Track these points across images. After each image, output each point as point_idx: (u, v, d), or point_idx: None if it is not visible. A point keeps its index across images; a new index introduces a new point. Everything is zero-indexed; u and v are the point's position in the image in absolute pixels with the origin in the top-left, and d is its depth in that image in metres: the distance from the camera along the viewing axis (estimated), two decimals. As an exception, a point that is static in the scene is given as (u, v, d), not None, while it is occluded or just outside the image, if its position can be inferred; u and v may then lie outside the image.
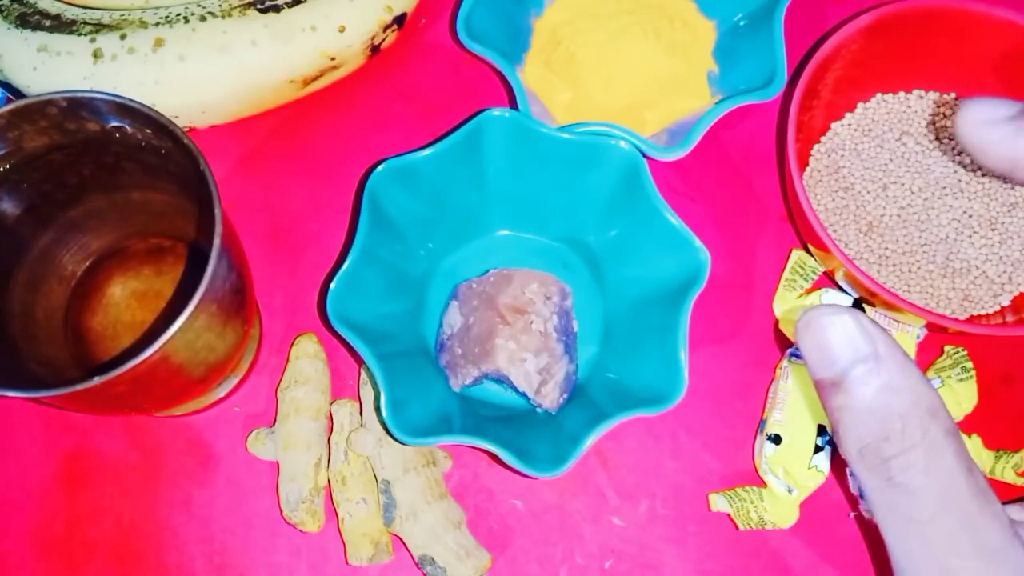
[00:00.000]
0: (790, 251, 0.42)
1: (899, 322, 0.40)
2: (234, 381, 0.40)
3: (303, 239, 0.44)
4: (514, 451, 0.33)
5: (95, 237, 0.39)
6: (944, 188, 0.41)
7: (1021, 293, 0.40)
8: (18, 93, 0.41)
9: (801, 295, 0.41)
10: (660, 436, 0.40)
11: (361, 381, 0.40)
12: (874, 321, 0.24)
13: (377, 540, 0.37)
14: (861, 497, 0.38)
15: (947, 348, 0.40)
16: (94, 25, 0.41)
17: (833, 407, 0.24)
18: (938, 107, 0.43)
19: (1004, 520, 0.23)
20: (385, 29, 0.44)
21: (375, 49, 0.45)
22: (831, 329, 0.24)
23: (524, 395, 0.37)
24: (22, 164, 0.33)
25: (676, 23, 0.45)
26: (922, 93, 0.44)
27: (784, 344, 0.41)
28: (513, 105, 0.41)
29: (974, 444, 0.38)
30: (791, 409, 0.38)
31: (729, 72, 0.44)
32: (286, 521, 0.38)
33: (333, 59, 0.43)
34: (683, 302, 0.36)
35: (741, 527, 0.39)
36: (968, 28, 0.41)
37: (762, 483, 0.39)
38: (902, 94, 0.44)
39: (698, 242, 0.36)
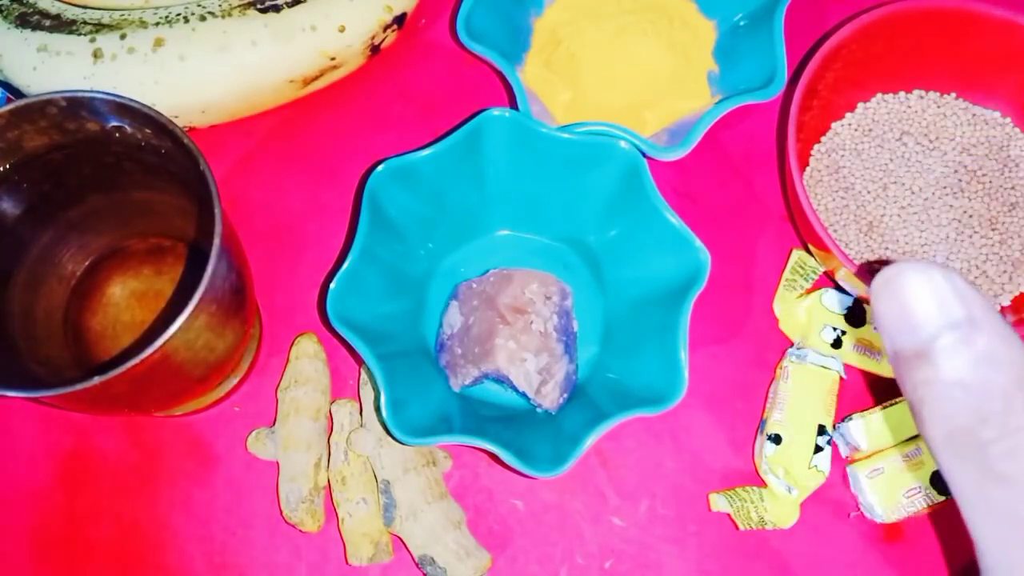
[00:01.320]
0: (790, 251, 0.42)
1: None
2: (234, 381, 0.40)
3: (303, 239, 0.44)
4: (514, 451, 0.33)
5: (95, 237, 0.39)
6: (944, 188, 0.41)
7: (1021, 293, 0.40)
8: (18, 93, 0.41)
9: (801, 295, 0.41)
10: (660, 436, 0.40)
11: (361, 381, 0.40)
12: (969, 281, 0.20)
13: (377, 540, 0.37)
14: (861, 497, 0.38)
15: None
16: (94, 25, 0.41)
17: (915, 382, 0.20)
18: (938, 107, 0.43)
19: None
20: (385, 29, 0.44)
21: (375, 49, 0.45)
22: (917, 288, 0.20)
23: (524, 395, 0.37)
24: (22, 164, 0.33)
25: (676, 23, 0.45)
26: (922, 93, 0.44)
27: (784, 344, 0.41)
28: (513, 105, 0.41)
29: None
30: (791, 409, 0.38)
31: (729, 72, 0.44)
32: (286, 521, 0.38)
33: (333, 59, 0.43)
34: (683, 302, 0.36)
35: (741, 527, 0.39)
36: (968, 28, 0.41)
37: (762, 483, 0.39)
38: (902, 94, 0.44)
39: (698, 242, 0.36)
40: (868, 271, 0.38)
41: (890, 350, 0.21)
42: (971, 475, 0.19)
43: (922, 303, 0.20)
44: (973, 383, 0.19)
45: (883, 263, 0.40)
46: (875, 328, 0.21)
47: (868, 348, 0.40)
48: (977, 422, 0.19)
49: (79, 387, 0.28)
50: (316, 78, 0.44)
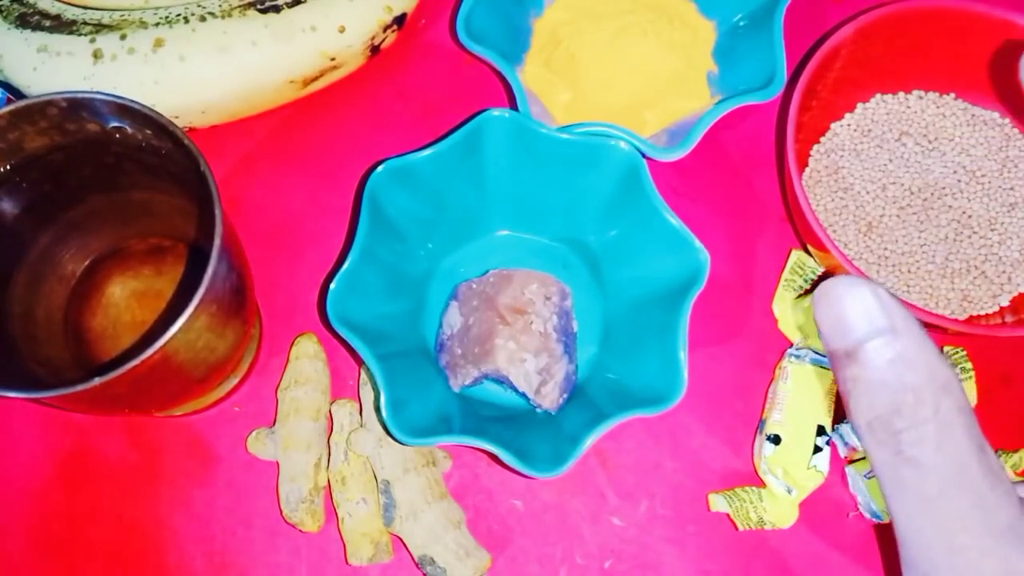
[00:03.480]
0: (790, 251, 0.42)
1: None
2: (234, 381, 0.40)
3: (303, 239, 0.44)
4: (514, 451, 0.33)
5: (95, 237, 0.39)
6: (944, 188, 0.42)
7: (1020, 293, 0.40)
8: (18, 93, 0.41)
9: (801, 295, 0.41)
10: (660, 436, 0.40)
11: (361, 381, 0.40)
12: (892, 294, 0.23)
13: (377, 540, 0.37)
14: (860, 497, 0.38)
15: (946, 348, 0.40)
16: (94, 25, 0.41)
17: (845, 378, 0.23)
18: (938, 108, 0.43)
19: (1015, 499, 0.23)
20: (385, 29, 0.44)
21: (375, 49, 0.45)
22: (848, 299, 0.23)
23: (524, 395, 0.37)
24: (22, 164, 0.33)
25: (676, 23, 0.45)
26: (922, 93, 0.44)
27: (784, 344, 0.41)
28: (513, 105, 0.41)
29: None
30: (791, 409, 0.38)
31: (729, 72, 0.44)
32: (286, 521, 0.38)
33: (333, 59, 0.43)
34: (683, 302, 0.36)
35: (741, 527, 0.39)
36: (968, 28, 0.41)
37: (762, 483, 0.39)
38: (902, 94, 0.44)
39: (698, 242, 0.36)
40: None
41: (827, 351, 0.24)
42: (887, 458, 0.23)
43: (852, 312, 0.23)
44: (890, 380, 0.22)
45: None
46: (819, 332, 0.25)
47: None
48: (892, 413, 0.22)
49: (79, 388, 0.28)
50: (316, 78, 0.44)
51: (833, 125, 0.44)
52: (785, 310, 0.41)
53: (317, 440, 0.38)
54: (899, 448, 0.22)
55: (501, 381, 0.37)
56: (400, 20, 0.44)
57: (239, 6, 0.42)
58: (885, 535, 0.39)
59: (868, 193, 0.42)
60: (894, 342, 0.23)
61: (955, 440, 0.22)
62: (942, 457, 0.22)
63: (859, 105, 0.44)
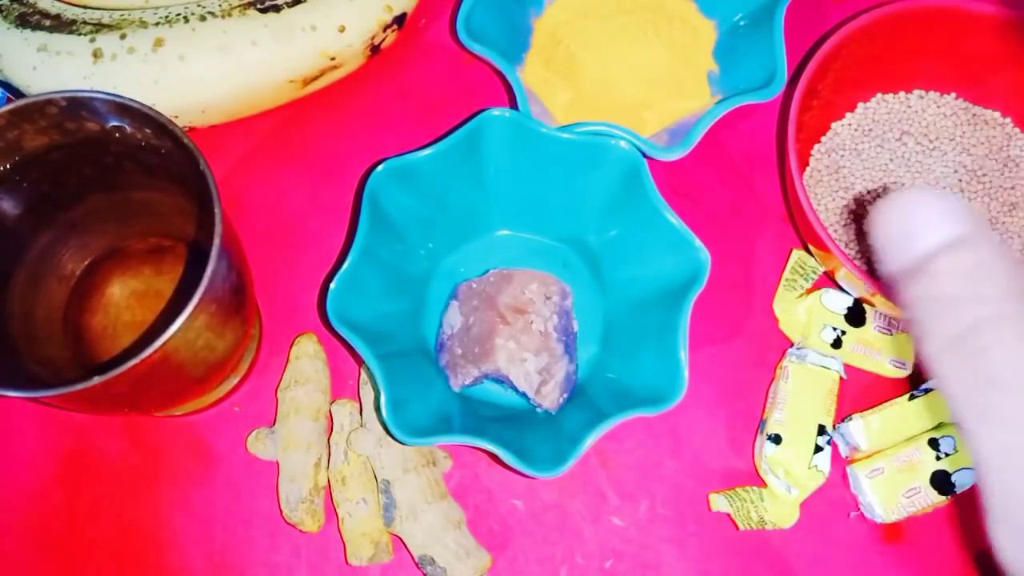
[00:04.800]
0: (790, 251, 0.42)
1: (899, 322, 0.40)
2: (234, 381, 0.40)
3: (303, 239, 0.44)
4: (514, 451, 0.33)
5: (95, 237, 0.39)
6: (945, 187, 0.41)
7: (1021, 293, 0.40)
8: (18, 93, 0.41)
9: (801, 295, 0.41)
10: (660, 436, 0.40)
11: (361, 381, 0.40)
12: (959, 200, 0.21)
13: (377, 540, 0.37)
14: (861, 497, 0.38)
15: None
16: (94, 25, 0.41)
17: (912, 298, 0.21)
18: (938, 107, 0.43)
19: None
20: (385, 29, 0.44)
21: (375, 49, 0.45)
22: (914, 208, 0.21)
23: (524, 395, 0.37)
24: (22, 164, 0.33)
25: (676, 23, 0.45)
26: (922, 93, 0.44)
27: (785, 344, 0.41)
28: (513, 105, 0.41)
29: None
30: (791, 409, 0.38)
31: (729, 72, 0.44)
32: (286, 521, 0.38)
33: (333, 59, 0.43)
34: (683, 302, 0.36)
35: (741, 527, 0.39)
36: (968, 28, 0.41)
37: (762, 483, 0.39)
38: (902, 94, 0.44)
39: (698, 242, 0.36)
40: (868, 271, 0.38)
41: (890, 271, 0.21)
42: (967, 382, 0.20)
43: (918, 222, 0.21)
44: (967, 295, 0.20)
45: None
46: (876, 252, 0.22)
47: (868, 348, 0.40)
48: (971, 331, 0.20)
49: (79, 387, 0.28)
50: (316, 78, 0.44)
51: (834, 124, 0.44)
52: (786, 310, 0.41)
53: (317, 440, 0.38)
54: (983, 371, 0.20)
55: (501, 381, 0.37)
56: (400, 20, 0.44)
57: (239, 6, 0.42)
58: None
59: (869, 193, 0.42)
60: (967, 252, 0.20)
61: None
62: None
63: (860, 104, 0.44)
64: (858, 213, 0.42)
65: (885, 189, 0.42)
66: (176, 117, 0.42)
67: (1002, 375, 0.19)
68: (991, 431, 0.20)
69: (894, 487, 0.37)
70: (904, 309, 0.21)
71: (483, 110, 0.38)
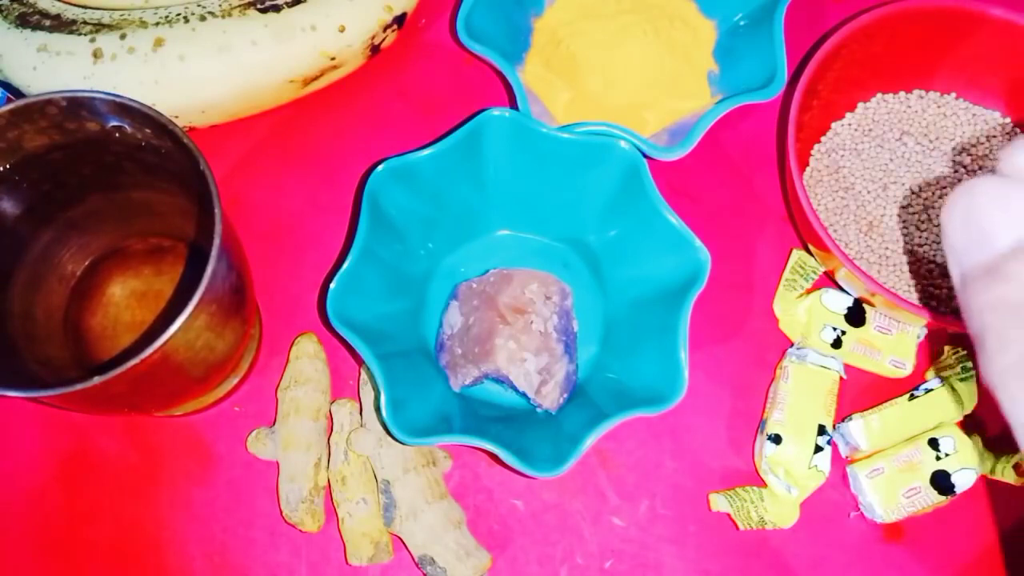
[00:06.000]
0: (790, 251, 0.42)
1: (899, 322, 0.40)
2: (234, 381, 0.40)
3: (303, 239, 0.44)
4: (514, 451, 0.33)
5: (95, 237, 0.39)
6: (944, 188, 0.41)
7: (1021, 293, 0.40)
8: (18, 93, 0.41)
9: (801, 295, 0.41)
10: (660, 436, 0.40)
11: (361, 381, 0.40)
12: None
13: (377, 540, 0.37)
14: (861, 497, 0.38)
15: (947, 348, 0.40)
16: (94, 25, 0.41)
17: (983, 305, 0.18)
18: (938, 107, 0.43)
19: None
20: (385, 29, 0.44)
21: (375, 49, 0.45)
22: (989, 202, 0.18)
23: (524, 395, 0.37)
24: (22, 164, 0.33)
25: (676, 23, 0.45)
26: (922, 93, 0.44)
27: (785, 344, 0.41)
28: (513, 105, 0.41)
29: (975, 443, 0.38)
30: (791, 409, 0.38)
31: (729, 72, 0.44)
32: (286, 521, 0.38)
33: (333, 59, 0.43)
34: (683, 302, 0.36)
35: (741, 527, 0.39)
36: (968, 28, 0.41)
37: (762, 483, 0.39)
38: (902, 94, 0.44)
39: (698, 242, 0.36)
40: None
41: (958, 275, 0.19)
42: None
43: (994, 217, 0.18)
44: None
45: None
46: (946, 251, 0.19)
47: (868, 348, 0.40)
48: None
49: (79, 387, 0.28)
50: (316, 78, 0.44)
51: (834, 124, 0.44)
52: (786, 310, 0.41)
53: (317, 440, 0.38)
54: None
55: (501, 381, 0.37)
56: (400, 20, 0.44)
57: (239, 6, 0.42)
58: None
59: (869, 192, 0.42)
60: None
61: None
62: None
63: (860, 104, 0.44)
64: (859, 213, 0.42)
65: (885, 188, 0.42)
66: (176, 117, 0.42)
67: None
68: None
69: (894, 487, 0.37)
70: (972, 321, 0.18)
71: (483, 110, 0.38)
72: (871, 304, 0.40)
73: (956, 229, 0.18)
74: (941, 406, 0.38)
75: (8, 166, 0.33)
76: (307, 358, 0.40)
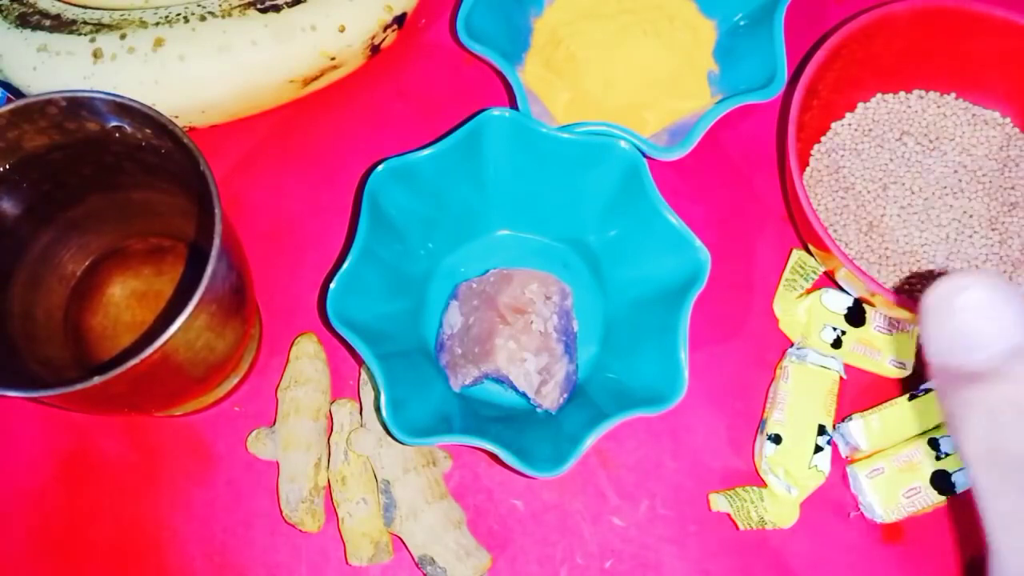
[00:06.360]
0: (790, 251, 0.42)
1: (899, 322, 0.40)
2: (234, 381, 0.40)
3: (303, 239, 0.44)
4: (514, 451, 0.33)
5: (95, 237, 0.39)
6: (944, 188, 0.41)
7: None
8: (18, 93, 0.41)
9: (801, 295, 0.41)
10: (660, 436, 0.40)
11: (361, 381, 0.40)
12: None
13: (377, 540, 0.37)
14: (861, 497, 0.38)
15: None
16: (94, 25, 0.41)
17: (960, 400, 0.19)
18: (938, 107, 0.43)
19: None
20: (385, 29, 0.44)
21: (375, 49, 0.45)
22: (979, 308, 0.19)
23: (524, 395, 0.37)
24: (22, 164, 0.33)
25: (676, 23, 0.45)
26: (922, 93, 0.44)
27: (785, 344, 0.41)
28: (513, 105, 0.41)
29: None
30: (791, 409, 0.38)
31: (729, 72, 0.44)
32: (286, 521, 0.38)
33: (333, 59, 0.43)
34: (683, 302, 0.36)
35: (741, 527, 0.39)
36: (968, 28, 0.41)
37: (762, 483, 0.39)
38: (902, 94, 0.44)
39: (698, 242, 0.36)
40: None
41: (935, 364, 0.20)
42: (1008, 493, 0.19)
43: (981, 323, 0.19)
44: None
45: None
46: (920, 341, 0.21)
47: (868, 348, 0.40)
48: None
49: (79, 387, 0.28)
50: (316, 78, 0.44)
51: (834, 124, 0.44)
52: (786, 310, 0.41)
53: (317, 440, 0.38)
54: None
55: (501, 381, 0.37)
56: (400, 20, 0.44)
57: (239, 6, 0.42)
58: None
59: (869, 192, 0.42)
60: None
61: None
62: None
63: (860, 104, 0.44)
64: (859, 213, 0.42)
65: (885, 188, 0.42)
66: (176, 117, 0.42)
67: None
68: (1018, 532, 0.19)
69: (894, 487, 0.37)
70: (946, 405, 0.20)
71: (483, 110, 0.38)
72: (871, 304, 0.40)
73: (940, 333, 0.20)
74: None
75: (8, 166, 0.33)
76: (307, 358, 0.40)
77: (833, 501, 0.39)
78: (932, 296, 0.20)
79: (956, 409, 0.20)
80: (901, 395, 0.39)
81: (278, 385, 0.40)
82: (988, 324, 0.19)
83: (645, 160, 0.38)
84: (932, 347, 0.20)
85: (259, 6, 0.41)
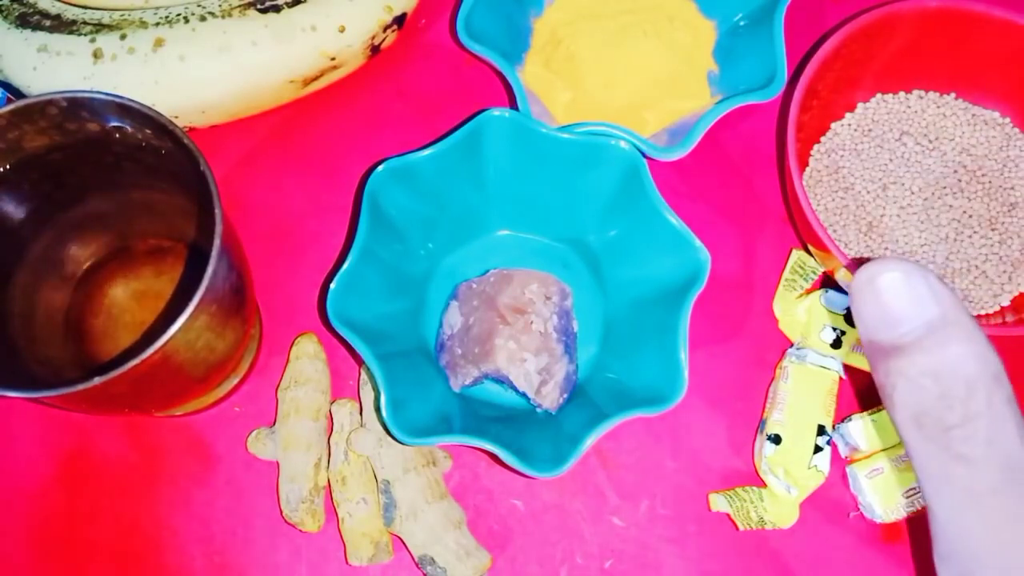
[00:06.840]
0: (790, 251, 0.42)
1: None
2: (234, 381, 0.40)
3: (303, 239, 0.44)
4: (514, 451, 0.33)
5: (95, 237, 0.39)
6: (944, 188, 0.41)
7: (1021, 293, 0.40)
8: (18, 93, 0.41)
9: (801, 295, 0.41)
10: (660, 436, 0.40)
11: (361, 381, 0.40)
12: (940, 278, 0.22)
13: (377, 540, 0.37)
14: (861, 497, 0.38)
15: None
16: (94, 25, 0.41)
17: (888, 370, 0.22)
18: (938, 107, 0.43)
19: None
20: (385, 29, 0.44)
21: (375, 49, 0.45)
22: (896, 286, 0.22)
23: (524, 395, 0.37)
24: (22, 164, 0.33)
25: (676, 23, 0.45)
26: (922, 93, 0.44)
27: (785, 344, 0.41)
28: (513, 105, 0.41)
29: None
30: (791, 409, 0.38)
31: (729, 72, 0.44)
32: (286, 521, 0.38)
33: (333, 59, 0.43)
34: (683, 302, 0.36)
35: (741, 527, 0.39)
36: (968, 28, 0.41)
37: (762, 483, 0.39)
38: (902, 94, 0.44)
39: (698, 242, 0.36)
40: (855, 265, 0.37)
41: (865, 340, 0.23)
42: (934, 455, 0.22)
43: (900, 301, 0.22)
44: (942, 373, 0.21)
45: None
46: (854, 320, 0.23)
47: (868, 348, 0.40)
48: (943, 408, 0.21)
49: (79, 387, 0.28)
50: (316, 78, 0.44)
51: (833, 125, 0.44)
52: (786, 310, 0.41)
53: (317, 440, 0.38)
54: (949, 444, 0.21)
55: (501, 381, 0.37)
56: (400, 20, 0.44)
57: (239, 6, 0.42)
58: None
59: (869, 193, 0.42)
60: (946, 334, 0.21)
61: (1007, 433, 0.21)
62: (994, 452, 0.21)
63: (859, 105, 0.44)
64: (858, 213, 0.42)
65: (885, 188, 0.42)
66: (176, 117, 0.42)
67: (968, 451, 0.21)
68: (949, 496, 0.22)
69: (894, 487, 0.37)
70: (878, 377, 0.22)
71: (483, 110, 0.38)
72: (871, 304, 0.40)
73: (866, 309, 0.23)
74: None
75: (8, 167, 0.33)
76: (307, 358, 0.40)
77: (833, 501, 0.39)
78: (858, 279, 0.23)
79: (884, 379, 0.22)
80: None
81: (278, 385, 0.40)
82: (906, 302, 0.22)
83: (645, 160, 0.38)
84: (861, 325, 0.23)
85: (259, 6, 0.41)
